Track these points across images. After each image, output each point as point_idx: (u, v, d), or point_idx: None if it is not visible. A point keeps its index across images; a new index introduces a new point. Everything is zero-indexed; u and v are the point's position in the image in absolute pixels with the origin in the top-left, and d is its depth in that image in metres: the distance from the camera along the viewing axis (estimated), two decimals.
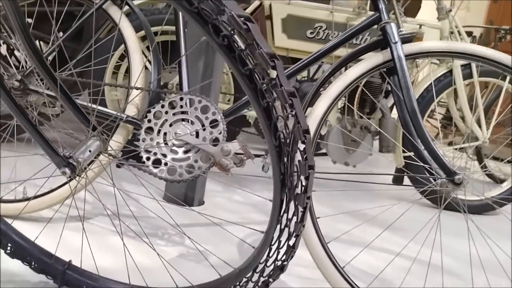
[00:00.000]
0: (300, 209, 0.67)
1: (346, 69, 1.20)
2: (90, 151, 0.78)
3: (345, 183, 2.29)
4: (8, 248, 0.95)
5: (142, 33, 1.81)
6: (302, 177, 0.64)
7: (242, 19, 0.55)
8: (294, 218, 0.68)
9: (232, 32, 0.56)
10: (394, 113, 1.84)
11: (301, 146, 0.62)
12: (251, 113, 2.09)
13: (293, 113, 0.59)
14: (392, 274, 1.31)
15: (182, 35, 1.32)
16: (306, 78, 2.55)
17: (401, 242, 1.58)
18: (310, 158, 0.63)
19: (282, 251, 0.72)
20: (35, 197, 1.22)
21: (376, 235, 1.53)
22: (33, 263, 0.95)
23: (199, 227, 1.48)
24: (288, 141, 0.63)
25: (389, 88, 1.95)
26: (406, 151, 1.86)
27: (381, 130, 1.77)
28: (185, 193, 1.65)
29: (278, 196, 0.68)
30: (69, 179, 0.74)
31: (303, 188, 0.65)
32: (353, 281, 1.01)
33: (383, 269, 1.31)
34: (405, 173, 1.93)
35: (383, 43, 1.15)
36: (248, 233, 1.48)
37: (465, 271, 1.42)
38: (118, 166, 1.21)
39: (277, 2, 1.94)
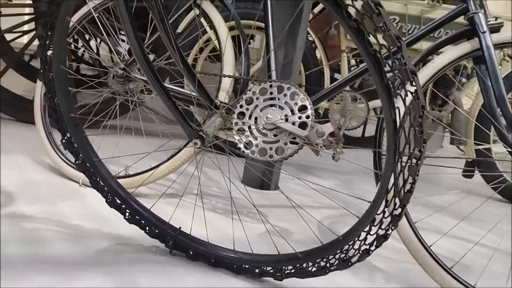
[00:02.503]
0: (410, 179, 0.73)
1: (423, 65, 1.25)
2: (214, 126, 0.88)
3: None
4: (127, 214, 1.07)
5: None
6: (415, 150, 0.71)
7: (373, 4, 0.62)
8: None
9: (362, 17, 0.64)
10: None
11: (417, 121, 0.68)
12: (322, 105, 2.16)
13: (413, 90, 0.66)
14: (473, 259, 1.34)
15: (270, 29, 1.41)
16: None
17: (477, 232, 1.60)
18: (424, 132, 0.69)
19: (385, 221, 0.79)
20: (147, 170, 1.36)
21: (451, 224, 1.56)
22: (147, 228, 1.07)
23: (277, 208, 1.57)
24: (405, 116, 0.69)
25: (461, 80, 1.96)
26: (477, 144, 1.86)
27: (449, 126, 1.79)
28: (262, 178, 1.75)
29: (390, 169, 0.74)
30: (197, 148, 0.85)
31: (415, 160, 0.71)
32: (441, 261, 1.06)
33: (464, 254, 1.35)
34: (476, 169, 1.93)
35: (469, 33, 1.19)
36: (325, 216, 1.55)
37: None
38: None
39: None
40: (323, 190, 1.88)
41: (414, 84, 0.66)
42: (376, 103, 2.34)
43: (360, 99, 2.16)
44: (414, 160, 0.72)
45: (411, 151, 0.71)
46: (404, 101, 0.69)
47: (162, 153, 1.69)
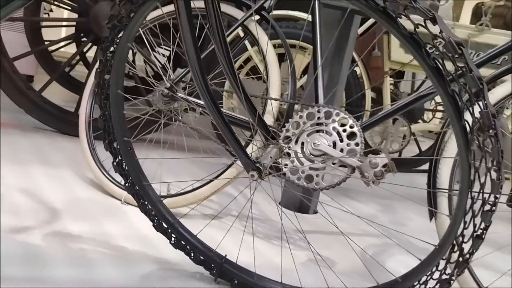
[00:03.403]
0: (492, 197, 0.68)
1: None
2: (271, 157, 0.86)
3: None
4: (173, 239, 1.06)
5: None
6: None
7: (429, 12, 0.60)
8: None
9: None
10: None
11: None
12: None
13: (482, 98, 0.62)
14: None
15: (318, 49, 1.39)
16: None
17: None
18: (500, 142, 0.65)
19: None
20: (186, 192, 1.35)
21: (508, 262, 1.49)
22: (192, 255, 1.05)
23: (318, 234, 1.53)
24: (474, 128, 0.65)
25: None
26: None
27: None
28: (301, 201, 1.71)
29: (461, 214, 0.70)
30: (253, 180, 0.83)
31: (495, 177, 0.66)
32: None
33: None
34: None
35: None
36: (368, 244, 1.50)
37: None
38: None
39: None
40: (365, 215, 1.83)
41: (494, 127, 0.63)
42: (419, 126, 2.29)
43: (401, 121, 2.11)
44: (488, 206, 0.68)
45: (487, 196, 0.67)
46: (482, 146, 0.65)
47: (205, 172, 1.68)
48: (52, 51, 2.66)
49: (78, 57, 2.52)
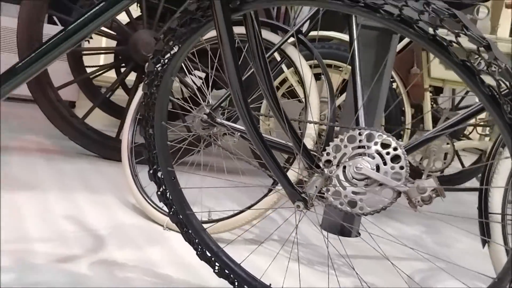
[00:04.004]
0: None
1: None
2: (316, 186, 0.84)
3: None
4: (216, 267, 1.06)
5: None
6: None
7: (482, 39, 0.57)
8: None
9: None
10: None
11: None
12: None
13: None
14: None
15: (358, 71, 1.38)
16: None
17: None
18: None
19: None
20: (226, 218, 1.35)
21: None
22: (236, 284, 1.04)
23: (361, 258, 1.49)
24: None
25: None
26: None
27: None
28: (342, 224, 1.68)
29: None
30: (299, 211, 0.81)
31: None
32: None
33: None
34: None
35: None
36: (415, 270, 1.45)
37: None
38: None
39: None
40: (409, 237, 1.77)
41: None
42: (463, 144, 2.21)
43: (444, 138, 2.04)
44: None
45: None
46: None
47: (246, 196, 1.68)
48: (93, 78, 2.75)
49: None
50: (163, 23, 2.11)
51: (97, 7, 0.78)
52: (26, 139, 2.28)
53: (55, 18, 3.07)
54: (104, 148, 2.09)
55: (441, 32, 0.63)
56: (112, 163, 2.05)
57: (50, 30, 2.86)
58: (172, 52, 0.84)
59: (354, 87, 1.42)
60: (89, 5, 2.68)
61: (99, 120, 3.04)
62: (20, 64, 0.80)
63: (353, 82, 1.42)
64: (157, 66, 0.86)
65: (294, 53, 1.46)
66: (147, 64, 0.89)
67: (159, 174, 1.00)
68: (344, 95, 2.12)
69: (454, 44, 0.62)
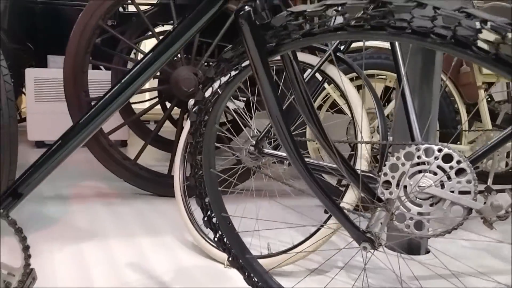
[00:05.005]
0: None
1: None
2: (381, 223, 0.79)
3: None
4: None
5: None
6: None
7: None
8: None
9: None
10: None
11: None
12: (461, 147, 1.95)
13: None
14: None
15: (405, 80, 1.31)
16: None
17: None
18: None
19: None
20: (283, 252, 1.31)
21: None
22: None
23: (437, 279, 1.40)
24: None
25: None
26: None
27: None
28: (409, 241, 1.59)
29: None
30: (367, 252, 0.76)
31: None
32: None
33: None
34: None
35: None
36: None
37: None
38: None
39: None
40: (484, 247, 1.65)
41: None
42: None
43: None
44: None
45: None
46: None
47: (302, 221, 1.63)
48: (140, 116, 2.83)
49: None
50: (200, 56, 2.14)
51: (146, 58, 0.78)
52: (83, 185, 2.37)
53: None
54: (158, 186, 2.13)
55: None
56: (167, 200, 2.07)
57: (94, 76, 2.99)
58: (212, 100, 0.83)
59: (404, 98, 1.35)
60: (128, 49, 2.78)
61: (150, 155, 3.12)
62: (81, 120, 0.81)
63: (402, 94, 1.35)
64: (199, 115, 0.85)
65: (334, 72, 1.42)
66: (189, 103, 0.88)
67: (214, 220, 0.99)
68: (391, 103, 2.04)
69: None
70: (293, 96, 0.86)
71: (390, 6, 0.58)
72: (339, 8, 0.61)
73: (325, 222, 1.26)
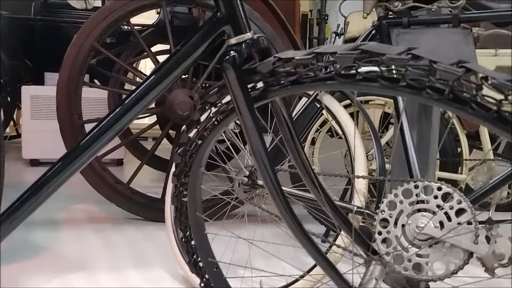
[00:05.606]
0: None
1: None
2: (376, 278, 0.74)
3: None
4: None
5: None
6: None
7: None
8: None
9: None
10: None
11: None
12: (462, 177, 1.90)
13: None
14: None
15: (404, 116, 1.27)
16: None
17: None
18: None
19: None
20: None
21: None
22: None
23: None
24: None
25: None
26: None
27: None
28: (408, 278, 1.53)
29: None
30: None
31: None
32: None
33: None
34: None
35: None
36: None
37: None
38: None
39: (483, 55, 1.77)
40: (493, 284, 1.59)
41: None
42: None
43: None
44: None
45: None
46: None
47: (302, 253, 1.56)
48: (137, 136, 2.80)
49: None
50: (196, 79, 2.10)
51: (145, 84, 0.73)
52: (75, 208, 2.31)
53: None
54: (151, 211, 2.07)
55: None
56: (159, 225, 2.02)
57: (89, 93, 2.94)
58: (199, 143, 0.78)
59: (401, 134, 1.31)
60: (124, 71, 2.75)
61: (146, 176, 3.07)
62: (82, 141, 0.76)
63: (400, 129, 1.31)
64: (184, 157, 0.81)
65: (331, 103, 1.37)
66: (176, 154, 0.84)
67: (200, 264, 0.93)
68: (390, 131, 1.99)
69: None
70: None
71: (383, 57, 0.54)
72: (329, 58, 0.57)
73: (309, 271, 1.21)
